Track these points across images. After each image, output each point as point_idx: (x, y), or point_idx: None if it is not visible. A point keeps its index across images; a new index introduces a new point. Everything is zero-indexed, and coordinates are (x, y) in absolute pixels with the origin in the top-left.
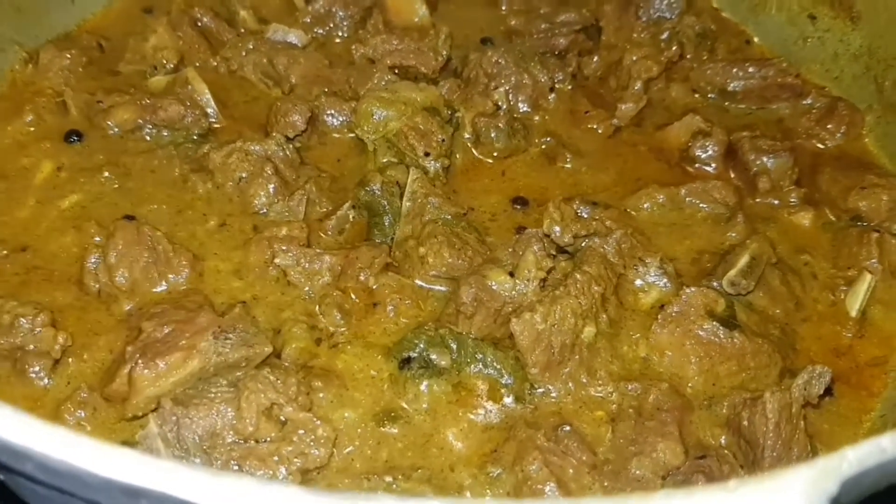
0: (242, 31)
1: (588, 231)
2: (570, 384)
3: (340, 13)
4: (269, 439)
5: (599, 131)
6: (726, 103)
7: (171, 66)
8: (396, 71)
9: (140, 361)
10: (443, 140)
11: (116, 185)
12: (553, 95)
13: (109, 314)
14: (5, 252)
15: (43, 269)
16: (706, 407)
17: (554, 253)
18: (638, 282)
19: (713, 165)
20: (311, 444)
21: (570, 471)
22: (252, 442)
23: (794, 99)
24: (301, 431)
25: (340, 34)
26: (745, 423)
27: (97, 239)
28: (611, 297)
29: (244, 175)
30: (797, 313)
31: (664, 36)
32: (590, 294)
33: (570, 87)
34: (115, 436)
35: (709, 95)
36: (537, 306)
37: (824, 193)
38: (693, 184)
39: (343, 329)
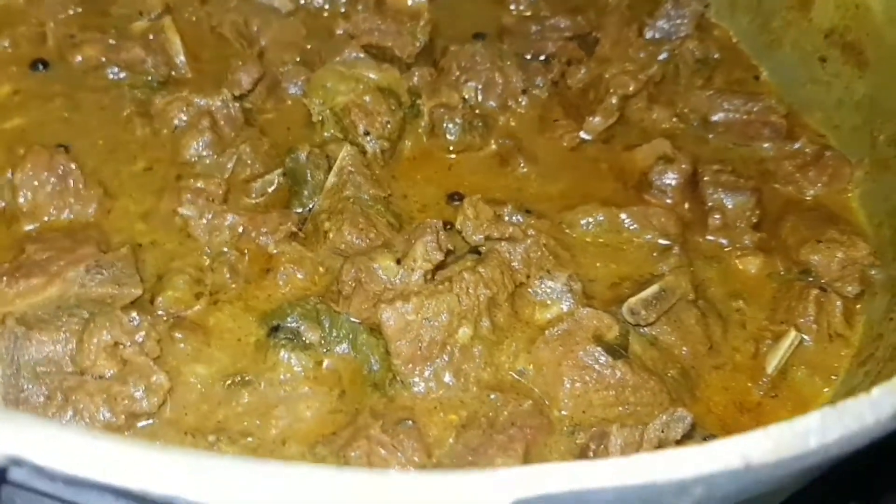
0: None
1: (502, 235)
2: (433, 382)
3: None
4: (104, 376)
5: (563, 142)
6: (709, 135)
7: (156, 13)
8: (373, 50)
9: (5, 278)
10: (387, 122)
11: (64, 115)
12: (524, 99)
13: (8, 232)
14: None
15: None
16: (568, 433)
17: (451, 248)
18: (540, 295)
19: (670, 194)
20: (143, 390)
21: (395, 466)
22: (87, 376)
23: (778, 140)
24: (136, 376)
25: (328, 7)
26: (591, 454)
27: None
28: (503, 304)
29: (180, 124)
30: (709, 358)
31: (661, 56)
32: (474, 296)
33: (547, 94)
34: None
35: (693, 123)
36: (412, 297)
37: (781, 242)
38: (634, 207)
39: (230, 289)
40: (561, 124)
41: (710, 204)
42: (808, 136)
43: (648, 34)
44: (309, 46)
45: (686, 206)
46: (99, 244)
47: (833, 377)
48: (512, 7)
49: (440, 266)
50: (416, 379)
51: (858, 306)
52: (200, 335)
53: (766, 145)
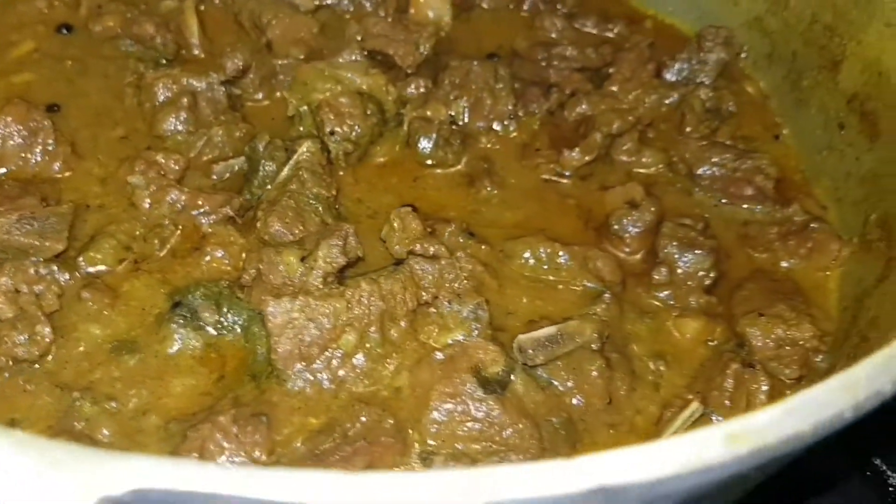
0: None
1: (424, 252)
2: (307, 383)
3: None
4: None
5: (539, 172)
6: (694, 188)
7: None
8: (376, 55)
9: None
10: (356, 126)
11: (70, 78)
12: (512, 123)
13: None
14: None
15: None
16: (420, 458)
17: (360, 255)
18: (444, 318)
19: (628, 242)
20: (27, 337)
21: (225, 458)
22: None
23: (767, 203)
24: (24, 323)
25: (352, 10)
26: None
27: None
28: (400, 320)
29: (163, 99)
30: (605, 414)
31: (670, 100)
32: (366, 305)
33: (538, 123)
34: None
35: (681, 173)
36: (300, 296)
37: (728, 309)
38: (576, 247)
39: (154, 260)
40: (542, 154)
41: (661, 257)
42: (804, 204)
43: (667, 76)
44: (316, 44)
45: (640, 255)
46: (46, 199)
47: None
48: (542, 30)
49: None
50: (292, 376)
51: (790, 393)
52: (108, 298)
53: (757, 207)
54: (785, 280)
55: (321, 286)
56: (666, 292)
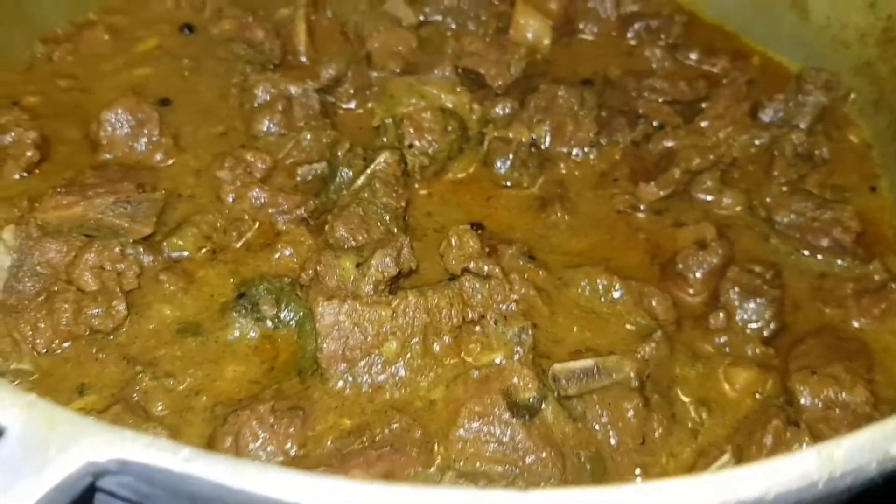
0: None
1: (479, 271)
2: (348, 384)
3: (466, 8)
4: (83, 290)
5: (614, 202)
6: (773, 235)
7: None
8: (470, 74)
9: (58, 190)
10: (434, 141)
11: (184, 75)
12: (592, 151)
13: (91, 158)
14: (70, 85)
15: (83, 108)
16: (441, 471)
17: (413, 267)
18: (489, 337)
19: (692, 283)
20: (103, 311)
21: (257, 445)
22: (72, 287)
23: (846, 257)
24: (103, 298)
25: (454, 27)
26: None
27: None
28: (444, 334)
29: (261, 101)
30: (635, 454)
31: (761, 141)
32: (411, 316)
33: (620, 153)
34: None
35: (760, 217)
36: (349, 300)
37: (785, 363)
38: (632, 282)
39: (230, 251)
40: (619, 184)
41: (720, 302)
42: (886, 262)
43: (762, 116)
44: (413, 58)
45: (702, 298)
46: (143, 185)
47: None
48: (641, 59)
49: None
50: (334, 376)
51: None
52: (182, 282)
53: (837, 261)
54: (852, 340)
55: (372, 293)
56: (723, 338)
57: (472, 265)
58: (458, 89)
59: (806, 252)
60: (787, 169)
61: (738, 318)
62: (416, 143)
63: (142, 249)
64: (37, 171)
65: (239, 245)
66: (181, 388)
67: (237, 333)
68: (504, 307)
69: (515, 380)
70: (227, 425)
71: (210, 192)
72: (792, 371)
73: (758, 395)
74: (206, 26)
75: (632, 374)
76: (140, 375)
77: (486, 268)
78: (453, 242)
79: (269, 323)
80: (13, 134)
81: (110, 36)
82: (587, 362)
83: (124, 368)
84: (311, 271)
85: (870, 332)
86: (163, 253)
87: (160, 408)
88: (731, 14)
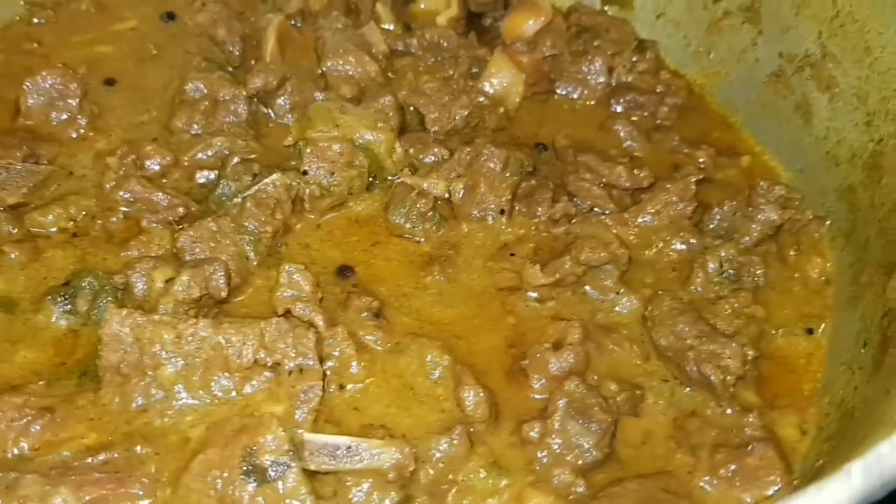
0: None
1: (300, 315)
2: (116, 399)
3: (447, 46)
4: None
5: (497, 280)
6: (651, 357)
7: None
8: (414, 112)
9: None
10: (332, 175)
11: (143, 59)
12: (500, 219)
13: (12, 122)
14: (33, 49)
15: (33, 73)
16: None
17: (224, 295)
18: (280, 385)
19: (532, 384)
20: None
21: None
22: None
23: (724, 400)
24: None
25: (430, 63)
26: None
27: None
28: (232, 372)
29: (187, 98)
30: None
31: (689, 247)
32: (196, 346)
33: (534, 229)
34: None
35: (649, 332)
36: (138, 314)
37: (588, 499)
38: (458, 366)
39: (89, 235)
40: (514, 261)
41: (546, 413)
42: (768, 419)
43: (708, 222)
44: (367, 86)
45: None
46: (39, 156)
47: None
48: (612, 133)
49: None
50: (109, 388)
51: None
52: (26, 258)
53: (711, 402)
54: (682, 499)
55: (168, 311)
56: (542, 453)
57: (296, 307)
58: (380, 125)
59: (678, 381)
60: (706, 285)
61: (553, 437)
62: (312, 171)
63: (2, 217)
64: None
65: (99, 232)
66: None
67: (46, 320)
68: (305, 361)
69: (265, 439)
70: None
71: (96, 174)
72: None
73: None
74: (186, 18)
75: (388, 466)
76: None
77: (309, 314)
78: (282, 280)
79: (78, 318)
80: None
81: (96, 10)
82: (339, 439)
83: None
84: (124, 278)
85: (711, 497)
86: (24, 225)
87: None
88: (740, 105)
